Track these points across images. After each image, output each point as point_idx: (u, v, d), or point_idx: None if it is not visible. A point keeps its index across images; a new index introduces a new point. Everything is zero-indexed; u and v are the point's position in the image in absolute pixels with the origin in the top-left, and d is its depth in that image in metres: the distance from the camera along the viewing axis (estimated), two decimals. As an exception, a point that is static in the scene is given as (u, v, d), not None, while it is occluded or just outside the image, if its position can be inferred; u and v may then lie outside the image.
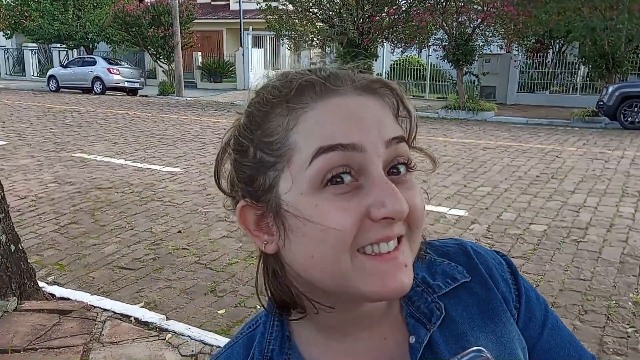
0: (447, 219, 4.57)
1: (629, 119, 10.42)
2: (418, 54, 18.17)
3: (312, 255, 0.44)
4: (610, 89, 10.66)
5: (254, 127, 0.48)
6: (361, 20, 13.31)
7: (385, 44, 15.05)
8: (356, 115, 0.45)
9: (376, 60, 15.59)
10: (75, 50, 23.09)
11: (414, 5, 13.02)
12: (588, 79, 14.94)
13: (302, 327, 0.52)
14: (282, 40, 16.05)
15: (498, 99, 15.39)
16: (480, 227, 4.38)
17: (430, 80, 17.79)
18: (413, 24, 12.64)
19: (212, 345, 2.49)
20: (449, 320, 0.52)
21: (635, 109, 10.34)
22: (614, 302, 3.05)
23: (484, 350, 0.46)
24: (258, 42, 20.64)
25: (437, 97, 17.09)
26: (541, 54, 16.50)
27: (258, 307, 2.94)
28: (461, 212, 4.73)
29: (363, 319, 0.50)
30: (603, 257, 3.72)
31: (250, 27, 20.27)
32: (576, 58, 14.96)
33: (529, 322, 0.55)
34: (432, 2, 12.55)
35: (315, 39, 14.30)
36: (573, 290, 3.21)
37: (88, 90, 18.77)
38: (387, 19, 13.56)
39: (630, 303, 3.04)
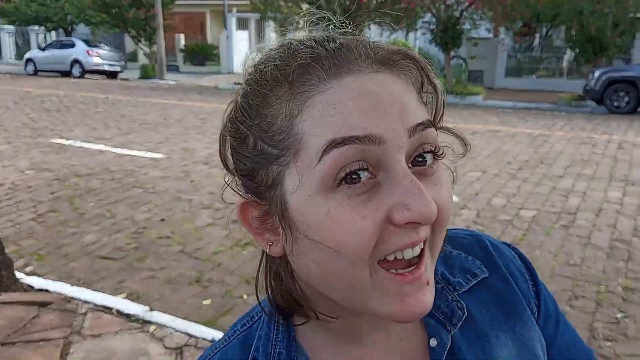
0: (436, 204, 4.52)
1: (615, 104, 10.50)
2: (405, 37, 18.02)
3: (326, 266, 0.39)
4: (597, 73, 10.70)
5: (253, 113, 0.40)
6: (348, 2, 13.08)
7: (372, 26, 14.85)
8: (374, 98, 0.37)
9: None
10: (53, 32, 22.44)
11: (402, -14, 12.84)
12: (575, 63, 15.02)
13: (309, 328, 0.48)
14: (267, 22, 15.73)
15: (485, 83, 15.43)
16: (470, 213, 4.36)
17: (417, 64, 17.70)
18: (401, 6, 12.48)
19: (198, 337, 2.42)
20: (469, 320, 0.49)
21: (621, 94, 10.41)
22: (604, 287, 3.04)
23: None
24: (243, 24, 20.25)
25: (425, 82, 17.03)
26: (528, 38, 16.52)
27: (245, 297, 2.89)
28: (450, 198, 4.69)
29: (376, 320, 0.46)
30: (592, 242, 3.73)
31: (235, 9, 19.86)
32: (563, 42, 15.00)
33: (546, 321, 0.53)
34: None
35: (300, 21, 14.05)
36: (563, 276, 3.20)
37: (67, 74, 18.32)
38: (375, 0, 13.36)
39: (619, 288, 3.04)
